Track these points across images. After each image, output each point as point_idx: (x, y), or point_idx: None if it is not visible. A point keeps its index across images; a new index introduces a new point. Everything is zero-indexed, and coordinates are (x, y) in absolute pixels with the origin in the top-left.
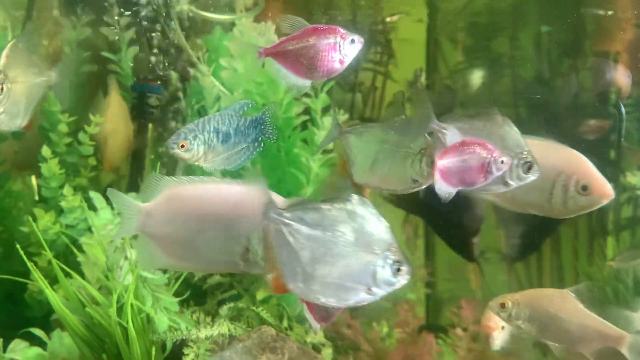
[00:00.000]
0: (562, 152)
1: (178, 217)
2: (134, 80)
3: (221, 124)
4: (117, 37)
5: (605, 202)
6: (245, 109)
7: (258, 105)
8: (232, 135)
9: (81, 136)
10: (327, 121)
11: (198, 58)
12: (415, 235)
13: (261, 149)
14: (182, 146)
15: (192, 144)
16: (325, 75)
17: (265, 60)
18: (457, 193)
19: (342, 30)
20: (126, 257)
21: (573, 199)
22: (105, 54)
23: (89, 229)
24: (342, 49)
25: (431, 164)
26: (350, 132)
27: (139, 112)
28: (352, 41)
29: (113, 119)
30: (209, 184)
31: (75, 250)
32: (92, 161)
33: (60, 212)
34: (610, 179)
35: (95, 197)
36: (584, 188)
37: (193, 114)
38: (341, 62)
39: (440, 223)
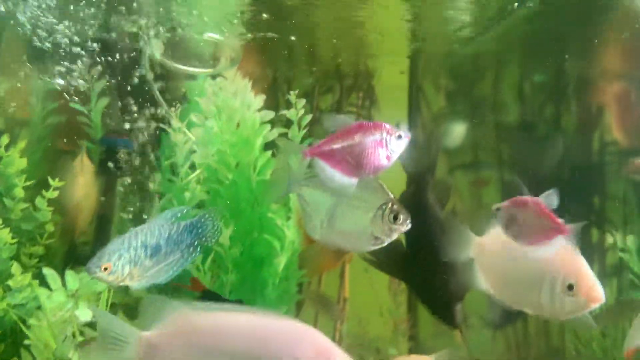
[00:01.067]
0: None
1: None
2: (104, 133)
3: (150, 237)
4: (87, 88)
5: (594, 306)
6: (179, 215)
7: (231, 167)
8: (162, 246)
9: (39, 201)
10: None
11: (171, 111)
12: (400, 289)
13: (198, 255)
14: (105, 269)
15: (116, 265)
16: (372, 171)
17: (239, 120)
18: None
19: (388, 126)
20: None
21: (560, 300)
22: (74, 105)
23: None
24: (389, 145)
25: (394, 219)
26: (306, 184)
27: (108, 167)
28: (399, 137)
29: (79, 186)
30: (230, 313)
31: (25, 329)
32: (50, 227)
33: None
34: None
35: (50, 275)
36: (570, 288)
37: (164, 170)
38: (388, 158)
39: (423, 287)
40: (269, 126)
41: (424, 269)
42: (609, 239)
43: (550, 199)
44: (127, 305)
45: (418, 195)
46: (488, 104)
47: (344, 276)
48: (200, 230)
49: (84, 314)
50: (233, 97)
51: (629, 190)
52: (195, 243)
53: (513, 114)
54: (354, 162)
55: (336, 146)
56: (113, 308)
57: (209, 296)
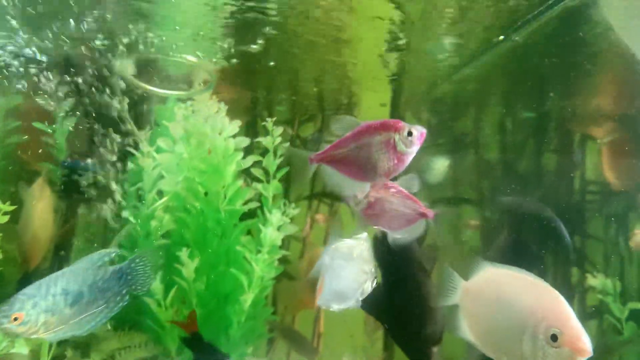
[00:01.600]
0: (538, 290)
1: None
2: (67, 156)
3: (72, 282)
4: (53, 108)
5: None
6: (106, 259)
7: (199, 196)
8: (85, 293)
9: None
10: (276, 215)
11: (140, 135)
12: (376, 327)
13: (125, 304)
14: (16, 319)
15: (30, 314)
16: (386, 175)
17: (210, 147)
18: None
19: (396, 124)
20: None
21: (542, 351)
22: (38, 124)
23: None
24: (398, 145)
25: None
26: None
27: (69, 191)
28: (409, 134)
29: (36, 212)
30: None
31: None
32: None
33: None
34: None
35: None
36: (554, 338)
37: (129, 196)
38: (399, 159)
39: (398, 328)
40: (241, 153)
41: (400, 309)
42: (590, 280)
43: (410, 183)
44: (77, 341)
45: None
46: (469, 139)
47: (320, 312)
48: (129, 277)
49: (21, 350)
50: (204, 122)
51: (610, 231)
52: (124, 291)
53: (494, 150)
54: (363, 166)
55: (342, 150)
56: (62, 345)
57: (193, 342)
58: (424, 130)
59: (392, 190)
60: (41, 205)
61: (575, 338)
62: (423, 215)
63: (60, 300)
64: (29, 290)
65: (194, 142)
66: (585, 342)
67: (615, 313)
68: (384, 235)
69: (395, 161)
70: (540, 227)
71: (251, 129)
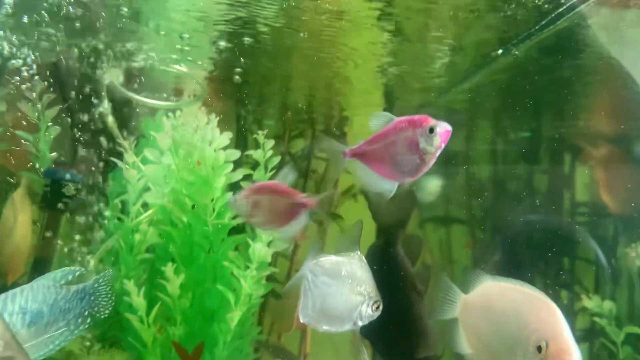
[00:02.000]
0: (534, 302)
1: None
2: (49, 165)
3: (31, 300)
4: (36, 115)
5: None
6: (70, 277)
7: (186, 209)
8: (45, 314)
9: None
10: (266, 235)
11: (126, 145)
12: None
13: (87, 327)
14: None
15: None
16: (411, 175)
17: (199, 158)
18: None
19: (420, 120)
20: None
21: None
22: (20, 133)
23: None
24: (421, 143)
25: (377, 309)
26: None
27: (51, 201)
28: (431, 130)
29: (16, 223)
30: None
31: None
32: None
33: None
34: None
35: None
36: (539, 349)
37: (113, 208)
38: (421, 158)
39: (386, 346)
40: (231, 166)
41: (391, 330)
42: (579, 302)
43: (286, 177)
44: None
45: (387, 248)
46: (461, 158)
47: (306, 331)
48: (92, 298)
49: None
50: (193, 132)
51: (600, 253)
52: (86, 313)
53: (485, 170)
54: (391, 164)
55: (373, 147)
56: None
57: None
58: (449, 128)
59: (268, 186)
60: (20, 217)
61: (562, 351)
62: (304, 205)
63: (17, 320)
64: None
65: (182, 152)
66: (573, 355)
67: (611, 336)
68: (374, 254)
69: (418, 160)
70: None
71: (241, 142)
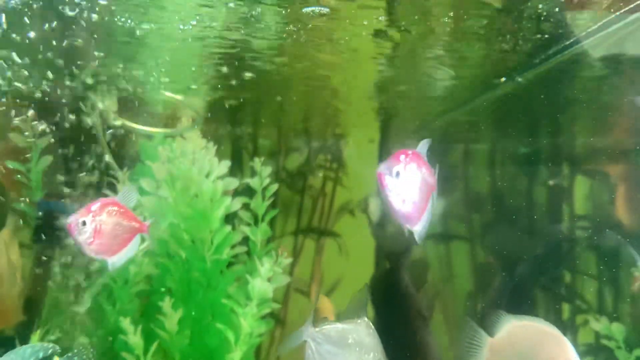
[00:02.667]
0: (552, 343)
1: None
2: (42, 196)
3: None
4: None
5: None
6: (40, 355)
7: (185, 244)
8: None
9: None
10: (266, 265)
11: (121, 174)
12: None
13: None
14: None
15: None
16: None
17: (197, 191)
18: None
19: (394, 158)
20: None
21: None
22: (11, 163)
23: None
24: (389, 183)
25: None
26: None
27: (43, 234)
28: (397, 174)
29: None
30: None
31: None
32: None
33: None
34: None
35: None
36: None
37: None
38: (389, 199)
39: None
40: (230, 198)
41: (395, 353)
42: (581, 318)
43: (128, 196)
44: None
45: (392, 275)
46: (459, 174)
47: None
48: None
49: None
50: (190, 165)
51: (601, 267)
52: None
53: (484, 184)
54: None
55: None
56: None
57: None
58: (404, 166)
59: (108, 209)
60: (9, 259)
61: None
62: (139, 230)
63: None
64: None
65: (179, 185)
66: None
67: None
68: (379, 280)
69: (391, 203)
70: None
71: (237, 164)
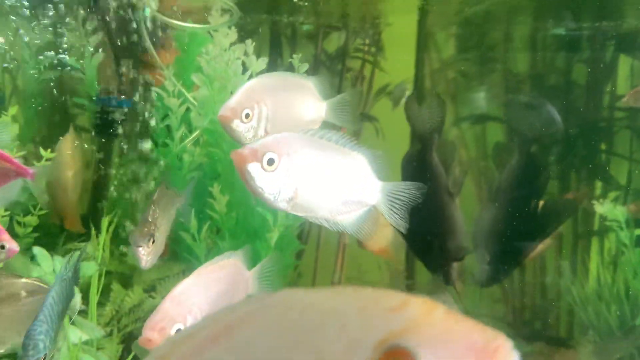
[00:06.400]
0: None
1: None
2: (99, 91)
3: (57, 303)
4: (81, 42)
5: None
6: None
7: (226, 137)
8: (63, 311)
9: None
10: None
11: (165, 72)
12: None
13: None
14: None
15: (47, 348)
16: None
17: (233, 89)
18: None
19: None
20: None
21: None
22: (67, 60)
23: None
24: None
25: None
26: None
27: (103, 128)
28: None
29: (69, 162)
30: None
31: None
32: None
33: None
34: None
35: (40, 254)
36: None
37: (161, 132)
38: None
39: (421, 246)
40: None
41: (423, 225)
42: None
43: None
44: (122, 273)
45: (423, 155)
46: (499, 53)
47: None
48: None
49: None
50: (226, 63)
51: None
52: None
53: (523, 64)
54: None
55: None
56: (108, 276)
57: None
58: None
59: None
60: (72, 160)
61: None
62: (19, 173)
63: (55, 323)
64: (40, 326)
65: (217, 85)
66: None
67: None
68: (412, 155)
69: None
70: None
71: (276, 55)
